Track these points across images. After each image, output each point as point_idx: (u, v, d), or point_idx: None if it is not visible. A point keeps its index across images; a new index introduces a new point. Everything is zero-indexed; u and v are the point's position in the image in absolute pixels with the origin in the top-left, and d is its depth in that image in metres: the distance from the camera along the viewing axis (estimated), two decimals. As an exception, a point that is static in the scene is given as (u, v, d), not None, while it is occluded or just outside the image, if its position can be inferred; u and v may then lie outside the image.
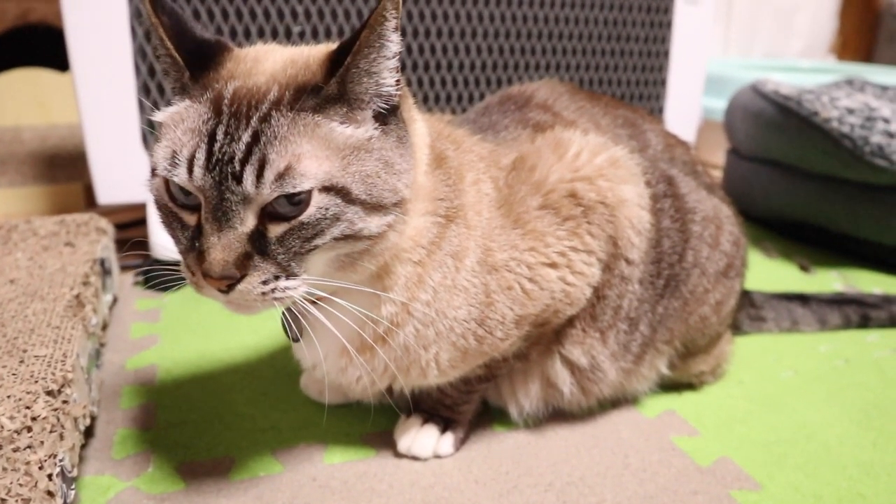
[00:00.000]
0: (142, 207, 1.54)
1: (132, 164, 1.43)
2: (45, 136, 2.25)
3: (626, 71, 1.83)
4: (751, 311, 1.27)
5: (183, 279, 0.71)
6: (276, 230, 0.66)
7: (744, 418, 1.02)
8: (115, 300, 1.31)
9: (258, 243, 0.66)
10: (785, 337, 1.28)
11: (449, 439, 0.92)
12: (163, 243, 1.32)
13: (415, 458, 0.90)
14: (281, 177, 0.63)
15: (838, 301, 1.32)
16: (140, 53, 1.40)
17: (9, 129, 2.31)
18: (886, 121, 1.52)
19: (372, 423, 0.98)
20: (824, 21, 3.69)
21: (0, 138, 2.22)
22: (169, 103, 0.72)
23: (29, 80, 2.35)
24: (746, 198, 1.82)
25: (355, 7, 1.51)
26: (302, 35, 1.49)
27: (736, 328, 1.20)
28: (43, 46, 2.38)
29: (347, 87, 0.67)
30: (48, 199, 1.79)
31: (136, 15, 1.38)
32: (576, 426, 0.99)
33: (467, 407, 0.94)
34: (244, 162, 0.63)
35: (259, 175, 0.63)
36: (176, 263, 0.72)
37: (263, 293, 0.67)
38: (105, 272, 1.23)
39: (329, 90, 0.67)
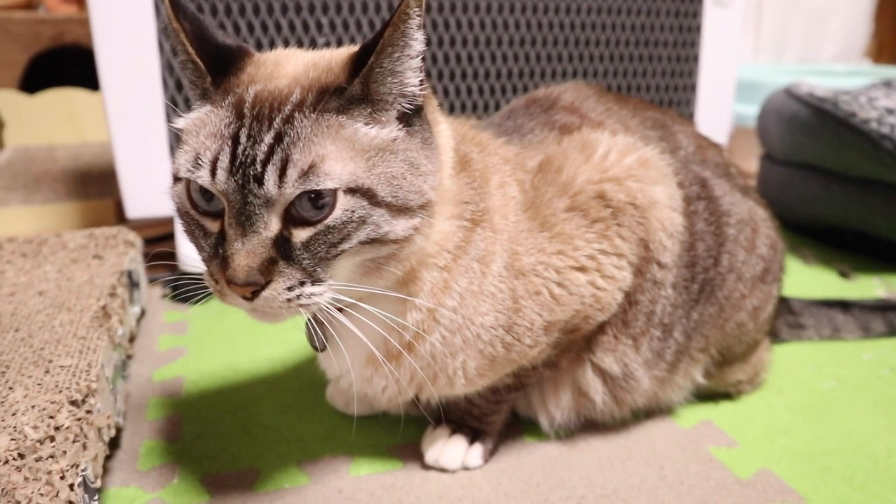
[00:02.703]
0: (170, 222, 1.55)
1: (160, 177, 1.43)
2: (77, 154, 2.29)
3: (654, 76, 1.80)
4: (789, 318, 1.22)
5: (209, 290, 0.70)
6: (301, 235, 0.64)
7: (785, 429, 0.98)
8: (143, 313, 1.31)
9: (283, 249, 0.65)
10: (826, 345, 1.23)
11: (477, 451, 0.89)
12: (190, 255, 1.32)
13: (443, 470, 0.88)
14: (304, 174, 0.62)
15: (882, 307, 1.26)
16: (168, 68, 1.42)
17: (43, 148, 2.36)
18: (928, 121, 1.47)
19: (399, 434, 0.96)
20: (859, 24, 3.61)
21: (34, 157, 2.27)
22: (190, 109, 0.71)
23: (63, 100, 2.40)
24: (781, 204, 1.76)
25: (380, 17, 1.51)
26: (327, 47, 1.49)
27: (774, 336, 1.16)
28: (76, 67, 2.43)
29: (371, 87, 0.66)
30: (80, 215, 1.82)
31: (163, 31, 1.39)
32: (609, 437, 0.95)
33: (496, 417, 0.91)
34: (266, 163, 0.62)
35: (282, 175, 0.62)
36: (202, 276, 0.71)
37: (289, 300, 0.65)
38: (133, 284, 1.23)
39: (352, 90, 0.66)
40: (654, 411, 1.00)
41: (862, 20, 3.61)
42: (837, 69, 3.01)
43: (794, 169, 1.81)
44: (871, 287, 1.51)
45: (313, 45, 1.49)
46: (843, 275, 1.58)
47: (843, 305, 1.26)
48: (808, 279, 1.55)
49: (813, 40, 3.49)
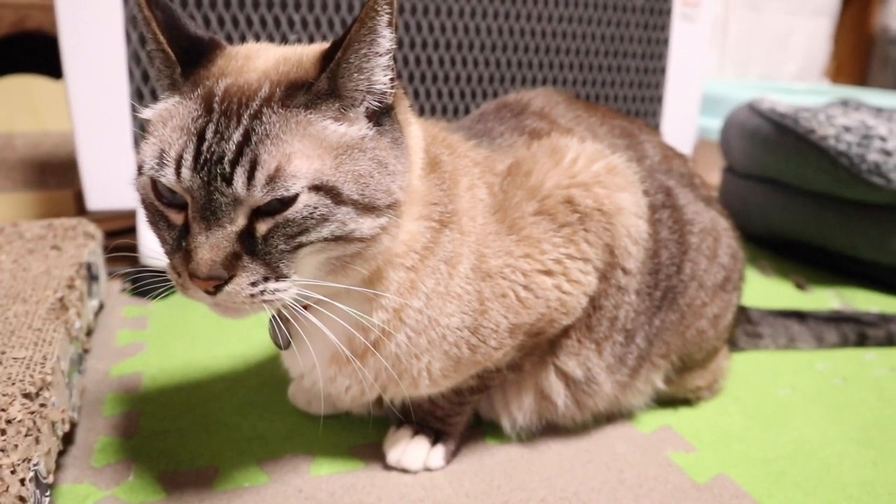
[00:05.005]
0: (131, 215, 1.52)
1: (123, 169, 1.40)
2: (36, 144, 2.23)
3: (622, 87, 1.83)
4: (747, 327, 1.25)
5: (171, 285, 0.69)
6: (261, 227, 0.64)
7: (741, 435, 1.00)
8: (101, 306, 1.28)
9: (247, 243, 0.64)
10: (782, 354, 1.26)
11: (440, 452, 0.89)
12: (151, 249, 1.30)
13: (404, 471, 0.88)
14: (272, 179, 0.62)
15: (836, 319, 1.30)
16: (134, 59, 1.39)
17: (1, 136, 2.29)
18: (883, 139, 1.52)
19: (361, 434, 0.95)
20: (819, 45, 3.72)
21: (-9, 144, 2.20)
22: (156, 100, 0.70)
23: (22, 87, 2.33)
24: (742, 216, 1.80)
25: (352, 16, 1.50)
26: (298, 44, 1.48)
27: (732, 344, 1.18)
28: (38, 54, 2.36)
29: (339, 82, 0.66)
30: (38, 206, 1.77)
31: (130, 20, 1.37)
32: (570, 441, 0.96)
33: (459, 419, 0.92)
34: (235, 163, 0.62)
35: (250, 177, 0.62)
36: (164, 270, 0.70)
37: (252, 295, 0.65)
38: (92, 277, 1.20)
39: (319, 86, 0.65)
40: (614, 416, 1.01)
41: (822, 41, 3.73)
42: (797, 87, 3.09)
43: (755, 182, 1.85)
44: (826, 299, 1.56)
45: (284, 41, 1.47)
46: (800, 286, 1.62)
47: (800, 316, 1.30)
48: (765, 290, 1.59)
49: (775, 58, 3.58)
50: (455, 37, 1.61)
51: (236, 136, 0.62)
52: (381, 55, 0.66)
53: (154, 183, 0.66)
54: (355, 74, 0.66)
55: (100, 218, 1.56)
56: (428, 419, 0.91)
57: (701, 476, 0.90)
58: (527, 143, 0.90)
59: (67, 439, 0.90)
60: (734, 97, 2.26)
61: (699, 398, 1.07)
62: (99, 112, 1.39)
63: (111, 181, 1.41)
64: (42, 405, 0.75)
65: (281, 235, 0.64)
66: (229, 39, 1.43)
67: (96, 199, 1.43)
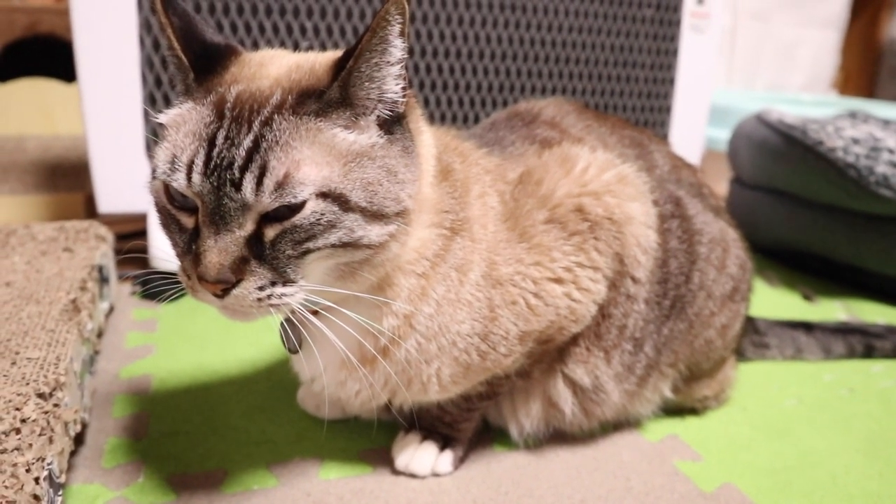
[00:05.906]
0: (142, 218, 1.53)
1: (135, 172, 1.42)
2: (48, 146, 2.25)
3: (631, 97, 1.83)
4: (755, 337, 1.25)
5: (181, 288, 0.70)
6: (269, 233, 0.65)
7: (748, 445, 1.00)
8: (111, 309, 1.29)
9: (255, 248, 0.65)
10: (788, 365, 1.26)
11: (448, 457, 0.90)
12: (162, 253, 1.31)
13: (412, 476, 0.88)
14: (280, 186, 0.62)
15: (842, 330, 1.30)
16: (148, 63, 1.40)
17: (12, 138, 2.31)
18: (892, 151, 1.52)
19: (369, 438, 0.96)
20: (826, 56, 3.73)
21: (3, 147, 2.22)
22: (172, 105, 0.71)
23: (34, 91, 2.36)
24: (749, 226, 1.79)
25: (364, 24, 1.51)
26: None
27: (739, 354, 1.18)
28: (50, 57, 2.39)
29: (350, 91, 0.67)
30: (49, 208, 1.78)
31: (145, 25, 1.38)
32: (577, 448, 0.97)
33: (467, 425, 0.92)
34: (244, 169, 0.62)
35: (259, 183, 0.62)
36: (174, 273, 0.71)
37: (259, 299, 0.65)
38: (103, 280, 1.21)
39: (331, 94, 0.66)
40: (621, 424, 1.01)
41: (830, 53, 3.73)
42: (804, 98, 3.09)
43: (763, 193, 1.85)
44: (832, 310, 1.56)
45: (296, 48, 1.49)
46: (807, 297, 1.62)
47: (807, 327, 1.30)
48: (772, 301, 1.59)
49: (783, 69, 3.59)
50: (466, 46, 1.62)
51: (246, 143, 0.63)
52: (392, 64, 0.67)
53: (167, 187, 0.67)
54: (366, 83, 0.67)
55: (110, 221, 1.57)
56: (436, 425, 0.91)
57: (707, 485, 0.90)
58: (538, 151, 0.90)
59: (78, 440, 0.90)
60: (742, 108, 2.27)
61: (706, 407, 1.07)
62: (112, 116, 1.40)
63: (123, 185, 1.43)
64: (55, 405, 0.76)
65: (288, 241, 0.65)
66: (242, 46, 1.44)
67: (108, 203, 1.44)
